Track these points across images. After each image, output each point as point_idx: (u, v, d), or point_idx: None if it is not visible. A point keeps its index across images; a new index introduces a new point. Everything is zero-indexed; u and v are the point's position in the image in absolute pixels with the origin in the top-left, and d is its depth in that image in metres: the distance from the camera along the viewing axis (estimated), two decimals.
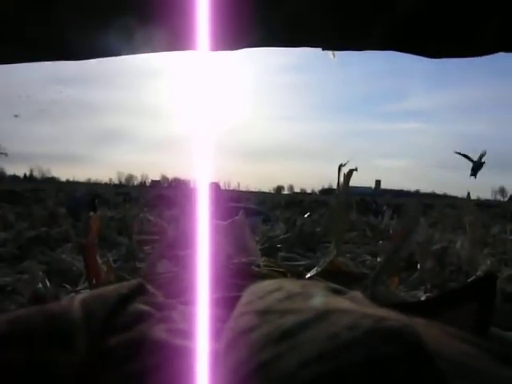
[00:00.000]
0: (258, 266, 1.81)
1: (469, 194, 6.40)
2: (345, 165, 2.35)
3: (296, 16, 1.50)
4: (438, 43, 1.61)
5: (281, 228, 8.66)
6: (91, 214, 4.69)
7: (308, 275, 1.75)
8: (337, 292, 0.49)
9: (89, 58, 1.89)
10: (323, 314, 0.39)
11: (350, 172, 2.33)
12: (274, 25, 1.55)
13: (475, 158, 10.14)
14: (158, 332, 0.48)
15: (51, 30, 1.63)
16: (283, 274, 1.77)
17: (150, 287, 0.59)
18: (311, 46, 1.68)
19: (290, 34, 1.64)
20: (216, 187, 8.52)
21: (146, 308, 0.52)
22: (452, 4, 1.45)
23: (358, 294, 0.48)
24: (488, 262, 4.33)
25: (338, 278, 1.79)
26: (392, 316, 0.38)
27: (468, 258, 4.78)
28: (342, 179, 2.46)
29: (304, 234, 8.12)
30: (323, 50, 1.68)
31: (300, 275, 1.79)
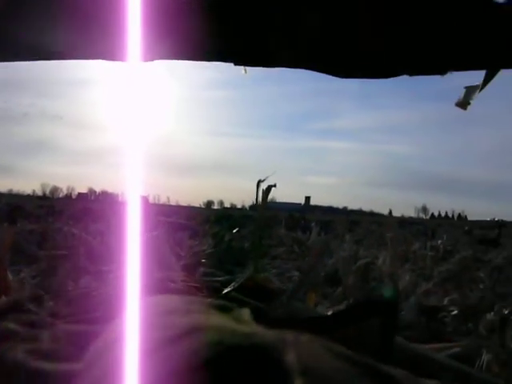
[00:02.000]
0: (175, 281, 1.77)
1: (390, 211, 6.63)
2: (263, 181, 2.36)
3: (208, 30, 1.50)
4: (346, 63, 1.65)
5: (209, 243, 8.60)
6: (5, 225, 4.47)
7: (225, 291, 1.73)
8: (223, 309, 0.48)
9: (13, 60, 1.82)
10: (190, 331, 0.37)
11: (269, 188, 2.34)
12: (187, 37, 1.55)
13: None
14: (17, 352, 0.44)
15: None
16: (199, 290, 1.74)
17: (30, 304, 0.55)
18: (223, 61, 1.68)
19: (203, 48, 1.64)
20: (144, 201, 8.37)
21: (13, 326, 0.49)
22: (358, 24, 1.49)
23: (245, 311, 0.47)
24: (407, 277, 4.47)
25: (256, 293, 1.79)
26: (263, 333, 0.37)
27: (389, 274, 4.93)
28: (260, 195, 2.47)
29: (232, 249, 8.12)
30: (235, 65, 1.69)
31: (216, 290, 1.77)
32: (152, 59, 1.63)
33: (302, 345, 0.36)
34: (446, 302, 3.50)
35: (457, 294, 3.70)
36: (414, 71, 1.61)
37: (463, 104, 1.61)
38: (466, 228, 30.39)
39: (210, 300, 0.51)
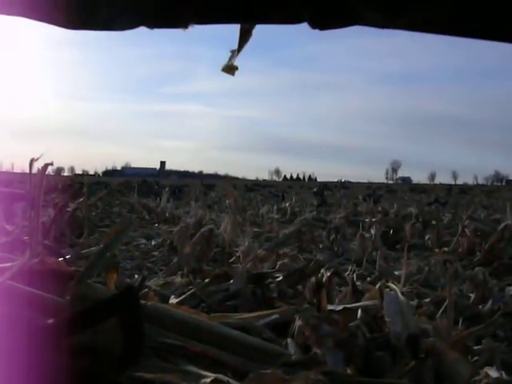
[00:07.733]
0: None
1: (227, 175, 6.71)
2: (38, 159, 2.21)
3: None
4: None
5: (49, 214, 8.11)
6: None
7: (1, 278, 1.57)
8: None
9: None
10: None
11: (46, 166, 2.20)
12: None
13: None
14: None
15: None
16: None
17: None
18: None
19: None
20: None
21: None
22: None
23: None
24: (246, 243, 4.55)
25: (50, 277, 1.67)
26: None
27: (229, 240, 4.99)
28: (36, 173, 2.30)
29: (76, 219, 7.75)
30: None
31: None
32: None
33: None
34: (277, 266, 3.59)
35: (288, 258, 3.83)
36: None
37: (229, 68, 1.51)
38: (315, 189, 32.20)
39: None
